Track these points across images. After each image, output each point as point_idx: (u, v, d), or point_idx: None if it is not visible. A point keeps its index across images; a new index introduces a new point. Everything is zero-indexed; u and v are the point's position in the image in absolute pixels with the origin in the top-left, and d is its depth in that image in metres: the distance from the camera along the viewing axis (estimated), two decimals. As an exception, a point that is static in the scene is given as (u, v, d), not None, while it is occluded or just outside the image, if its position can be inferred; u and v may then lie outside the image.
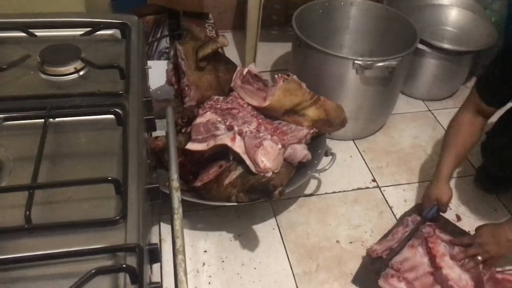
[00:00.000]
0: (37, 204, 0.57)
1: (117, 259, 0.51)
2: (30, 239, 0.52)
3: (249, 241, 1.44)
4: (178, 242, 0.72)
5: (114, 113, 0.67)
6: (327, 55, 1.58)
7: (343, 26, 1.93)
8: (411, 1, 2.08)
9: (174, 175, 0.82)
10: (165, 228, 1.44)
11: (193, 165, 1.47)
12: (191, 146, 1.38)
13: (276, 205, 1.55)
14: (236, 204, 1.32)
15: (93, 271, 0.46)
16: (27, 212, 0.53)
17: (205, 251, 1.40)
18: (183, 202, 1.31)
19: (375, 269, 1.35)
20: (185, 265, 0.69)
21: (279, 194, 1.19)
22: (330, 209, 1.56)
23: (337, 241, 1.45)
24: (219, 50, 1.68)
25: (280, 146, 1.35)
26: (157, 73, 1.73)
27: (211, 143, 1.36)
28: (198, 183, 1.41)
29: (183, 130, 1.47)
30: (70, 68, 0.78)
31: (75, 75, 0.78)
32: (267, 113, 1.47)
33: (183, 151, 1.41)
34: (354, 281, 1.34)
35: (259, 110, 1.46)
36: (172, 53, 1.66)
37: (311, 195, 1.60)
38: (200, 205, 1.43)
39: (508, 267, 1.40)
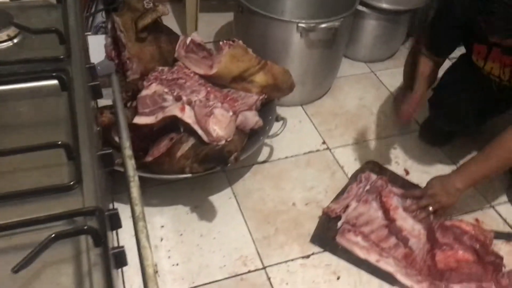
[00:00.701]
0: (-19, 177, 0.53)
1: (77, 224, 0.48)
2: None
3: (206, 212, 1.42)
4: (138, 209, 0.69)
5: (58, 77, 0.63)
6: (271, 20, 1.57)
7: (284, -9, 1.92)
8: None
9: (126, 143, 0.79)
10: (118, 206, 1.40)
11: (141, 140, 1.42)
12: (139, 120, 1.33)
13: (230, 175, 1.54)
14: (190, 175, 1.30)
15: (53, 235, 0.43)
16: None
17: (162, 226, 1.38)
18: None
19: (332, 227, 1.38)
20: (147, 231, 0.67)
21: (235, 159, 1.18)
22: (284, 174, 1.57)
23: (293, 204, 1.47)
24: (159, 20, 1.62)
25: (231, 113, 1.33)
26: (96, 48, 1.65)
27: (160, 115, 1.32)
28: (149, 158, 1.37)
29: (128, 105, 1.42)
30: (2, 35, 0.72)
31: (8, 43, 0.72)
32: (214, 81, 1.44)
33: (130, 126, 1.36)
34: (313, 240, 1.36)
35: (207, 78, 1.43)
36: (109, 26, 1.59)
37: (264, 161, 1.60)
38: (153, 181, 1.40)
39: (457, 216, 1.47)
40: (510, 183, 1.57)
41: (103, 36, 1.67)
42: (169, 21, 2.18)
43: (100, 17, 1.94)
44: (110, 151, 0.64)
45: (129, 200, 0.70)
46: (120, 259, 0.53)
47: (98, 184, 0.53)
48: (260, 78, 1.46)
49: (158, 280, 1.21)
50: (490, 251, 1.35)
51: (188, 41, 1.53)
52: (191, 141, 1.32)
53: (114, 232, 0.72)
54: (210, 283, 1.25)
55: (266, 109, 1.53)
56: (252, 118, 1.41)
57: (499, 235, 1.41)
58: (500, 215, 1.50)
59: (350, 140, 1.72)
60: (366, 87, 1.96)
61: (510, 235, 1.43)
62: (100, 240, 0.45)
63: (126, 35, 1.49)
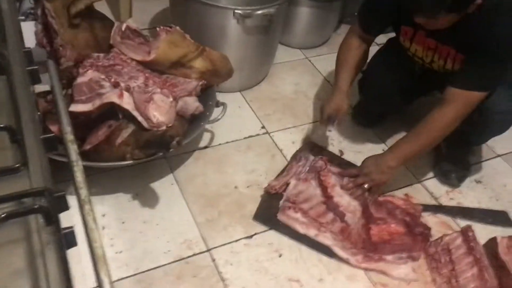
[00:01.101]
0: None
1: (25, 206, 0.48)
2: None
3: (149, 199, 1.42)
4: (83, 192, 0.69)
5: (-5, 59, 0.61)
6: (208, 6, 1.58)
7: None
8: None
9: (68, 128, 0.78)
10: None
11: (79, 128, 1.38)
12: (75, 107, 1.30)
13: (172, 161, 1.54)
14: (131, 162, 1.29)
15: (3, 215, 0.43)
16: None
17: (104, 215, 1.36)
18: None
19: (274, 205, 1.43)
20: (94, 214, 0.67)
21: (177, 143, 1.19)
22: (225, 158, 1.59)
23: (235, 187, 1.50)
24: (93, 6, 1.58)
25: (171, 99, 1.33)
26: (25, 35, 1.59)
27: (97, 102, 1.29)
28: (87, 146, 1.34)
29: (63, 93, 1.38)
30: None
31: None
32: (153, 68, 1.44)
33: (70, 114, 1.33)
34: (255, 218, 1.41)
35: (144, 64, 1.42)
36: (39, 12, 1.53)
37: (205, 147, 1.62)
38: (92, 170, 1.38)
39: (389, 193, 1.57)
40: (436, 160, 1.69)
41: (33, 23, 1.61)
42: (103, 8, 2.12)
43: (28, 3, 1.85)
44: (53, 135, 0.64)
45: (73, 185, 0.70)
46: (69, 239, 0.53)
47: (45, 166, 0.53)
48: (199, 63, 1.47)
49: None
50: (420, 223, 1.46)
51: (123, 27, 1.51)
52: (130, 128, 1.31)
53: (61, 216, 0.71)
54: (154, 268, 1.26)
55: (206, 95, 1.54)
56: (192, 104, 1.42)
57: (426, 208, 1.53)
58: (427, 190, 1.61)
59: (288, 124, 1.77)
60: (301, 73, 2.02)
61: (436, 208, 1.55)
62: (51, 219, 0.46)
63: (58, 21, 1.44)
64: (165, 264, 1.27)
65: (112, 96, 1.28)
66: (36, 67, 0.73)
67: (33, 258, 0.44)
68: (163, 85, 1.37)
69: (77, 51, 1.46)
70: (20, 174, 0.51)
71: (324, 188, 1.46)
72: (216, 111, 1.55)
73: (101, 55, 1.42)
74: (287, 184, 1.46)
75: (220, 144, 1.64)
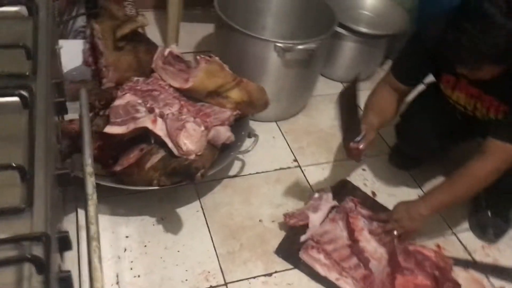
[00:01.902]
0: None
1: (23, 248, 0.48)
2: None
3: (173, 225, 1.43)
4: (93, 228, 0.70)
5: (19, 95, 0.63)
6: (249, 37, 1.59)
7: (266, 8, 1.94)
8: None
9: (88, 160, 0.80)
10: (81, 213, 1.40)
11: (112, 149, 1.42)
12: (110, 129, 1.33)
13: (200, 187, 1.54)
14: (158, 188, 1.30)
15: (-5, 261, 0.44)
16: None
17: (127, 237, 1.38)
18: (102, 187, 1.29)
19: (297, 241, 1.40)
20: (100, 251, 0.68)
21: (201, 176, 1.19)
22: (253, 189, 1.58)
23: (260, 220, 1.48)
24: (140, 30, 1.63)
25: (203, 128, 1.34)
26: (73, 53, 1.65)
27: (131, 126, 1.32)
28: (118, 167, 1.37)
29: (101, 113, 1.42)
30: (-32, 47, 0.72)
31: (-26, 55, 0.72)
32: (189, 95, 1.45)
33: (101, 134, 1.37)
34: (277, 251, 1.39)
35: (181, 92, 1.44)
36: (88, 32, 1.59)
37: (235, 176, 1.62)
38: (121, 190, 1.39)
39: (420, 242, 1.50)
40: (472, 210, 1.61)
41: (82, 41, 1.67)
42: (151, 29, 2.19)
43: (81, 21, 1.93)
44: (68, 171, 0.65)
45: (85, 219, 0.71)
46: (65, 283, 0.53)
47: (50, 207, 0.54)
48: (235, 94, 1.48)
49: (118, 291, 1.22)
50: (449, 278, 1.38)
51: (166, 52, 1.54)
52: (161, 154, 1.33)
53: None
54: (170, 296, 1.26)
55: (239, 125, 1.54)
56: (224, 133, 1.43)
57: (458, 262, 1.45)
58: (461, 242, 1.54)
59: (322, 159, 1.74)
60: (341, 107, 1.99)
61: (468, 263, 1.47)
62: (43, 268, 0.46)
63: (104, 43, 1.50)
64: (181, 294, 1.27)
65: (146, 121, 1.31)
66: (63, 99, 0.75)
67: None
68: (196, 113, 1.38)
69: (119, 73, 1.50)
70: (24, 214, 0.51)
71: (351, 230, 1.42)
72: (248, 142, 1.54)
73: (141, 79, 1.45)
74: (307, 217, 1.43)
75: (250, 174, 1.63)
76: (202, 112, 1.39)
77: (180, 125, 1.31)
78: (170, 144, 1.30)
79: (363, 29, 1.92)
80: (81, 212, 1.39)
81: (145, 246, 1.36)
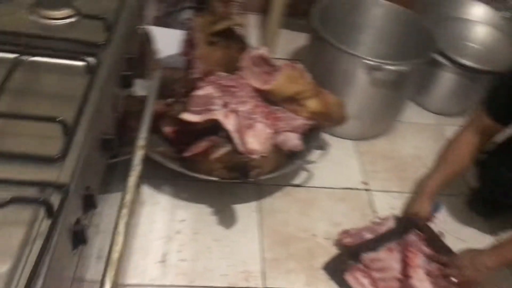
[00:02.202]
0: (-12, 133, 0.60)
1: (45, 194, 0.53)
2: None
3: (227, 219, 1.45)
4: (128, 197, 0.74)
5: (85, 61, 0.69)
6: (339, 51, 1.57)
7: (368, 25, 1.90)
8: (441, 12, 2.04)
9: (144, 134, 0.84)
10: (147, 190, 1.48)
11: (187, 135, 1.49)
12: (186, 116, 1.39)
13: (261, 189, 1.55)
14: (217, 179, 1.34)
15: (9, 198, 0.48)
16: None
17: (182, 220, 1.43)
18: (171, 170, 1.34)
19: (347, 261, 1.35)
20: (128, 219, 0.71)
21: (255, 175, 1.20)
22: (314, 202, 1.56)
23: (314, 235, 1.46)
24: (236, 29, 1.69)
25: (271, 130, 1.35)
26: (173, 41, 1.75)
27: (205, 116, 1.37)
28: (187, 154, 1.43)
29: (182, 100, 1.48)
30: (61, 13, 0.79)
31: (64, 21, 0.80)
32: (267, 97, 1.47)
33: (178, 120, 1.43)
34: (325, 267, 1.36)
35: (259, 92, 1.47)
36: (190, 24, 1.68)
37: (299, 186, 1.60)
38: (188, 176, 1.45)
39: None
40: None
41: (182, 31, 1.77)
42: (253, 31, 2.26)
43: (188, 14, 2.05)
44: (114, 138, 0.69)
45: (124, 186, 0.75)
46: (79, 236, 0.57)
47: (81, 164, 0.58)
48: (312, 103, 1.47)
49: (164, 269, 1.27)
50: None
51: (256, 53, 1.57)
52: (227, 148, 1.36)
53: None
54: (208, 287, 1.28)
55: (311, 135, 1.53)
56: (292, 140, 1.43)
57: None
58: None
59: (394, 187, 1.67)
60: (427, 139, 1.89)
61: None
62: (52, 213, 0.50)
63: (199, 36, 1.57)
64: (218, 287, 1.28)
65: (218, 114, 1.35)
66: (130, 73, 0.80)
67: (25, 245, 0.48)
68: (268, 115, 1.39)
69: (208, 67, 1.56)
70: (56, 165, 0.56)
71: (406, 265, 1.34)
72: (317, 154, 1.53)
73: (225, 74, 1.50)
74: (362, 239, 1.38)
75: (314, 186, 1.61)
76: (274, 115, 1.40)
77: (249, 124, 1.33)
78: (236, 140, 1.33)
79: (467, 62, 1.81)
80: (147, 189, 1.47)
81: (196, 233, 1.40)
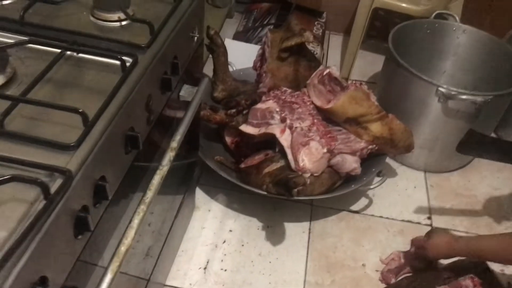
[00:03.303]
0: (22, 116, 0.65)
1: (50, 177, 0.56)
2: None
3: (275, 235, 1.43)
4: (149, 194, 0.76)
5: (120, 60, 0.73)
6: (412, 75, 1.50)
7: (449, 53, 1.80)
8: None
9: (177, 137, 0.86)
10: (202, 196, 1.51)
11: (246, 147, 1.50)
12: (244, 127, 1.41)
13: (315, 211, 1.52)
14: (265, 193, 1.33)
15: (9, 176, 0.51)
16: (0, 118, 0.60)
17: (230, 230, 1.43)
18: (227, 180, 1.35)
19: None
20: (144, 215, 0.73)
21: (297, 192, 1.17)
22: (369, 231, 1.48)
23: (363, 265, 1.39)
24: (308, 46, 1.68)
25: (325, 150, 1.32)
26: (248, 56, 1.79)
27: (262, 130, 1.38)
28: (242, 165, 1.44)
29: (244, 112, 1.50)
30: (114, 16, 0.85)
31: (116, 24, 0.85)
32: (328, 117, 1.44)
33: (237, 131, 1.45)
34: None
35: (321, 111, 1.44)
36: (264, 39, 1.71)
37: (356, 212, 1.54)
38: (241, 188, 1.45)
39: None
40: None
41: (258, 46, 1.80)
42: (335, 51, 2.24)
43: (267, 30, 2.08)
44: (138, 135, 0.72)
45: (148, 185, 0.77)
46: (81, 223, 0.59)
47: (94, 156, 0.61)
48: (375, 127, 1.41)
49: (205, 275, 1.28)
50: None
51: (325, 72, 1.55)
52: (280, 163, 1.35)
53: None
54: (244, 300, 1.27)
55: (373, 161, 1.48)
56: (350, 163, 1.38)
57: None
58: None
59: (460, 227, 1.54)
60: (508, 179, 1.72)
61: None
62: (47, 195, 0.52)
63: (270, 51, 1.58)
64: (255, 302, 1.27)
65: (275, 129, 1.35)
66: (170, 77, 0.83)
67: (21, 222, 0.51)
68: (324, 134, 1.36)
69: (275, 82, 1.57)
70: (69, 152, 0.59)
71: (457, 312, 1.22)
72: (377, 181, 1.46)
73: (288, 90, 1.50)
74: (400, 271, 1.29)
75: (372, 215, 1.54)
76: (330, 135, 1.37)
77: (304, 141, 1.31)
78: (289, 156, 1.32)
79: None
80: (201, 194, 1.50)
81: (242, 245, 1.40)
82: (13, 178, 0.51)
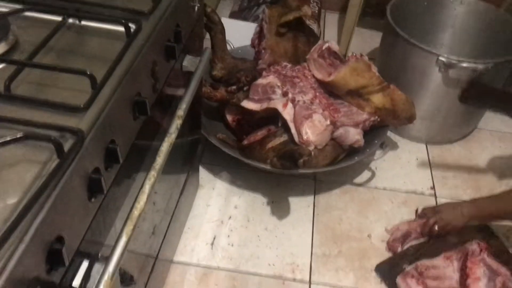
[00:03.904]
0: (28, 82, 0.64)
1: (62, 138, 0.55)
2: (4, 105, 0.59)
3: (280, 210, 1.44)
4: (159, 160, 0.75)
5: (125, 25, 0.72)
6: (412, 46, 1.49)
7: (447, 24, 1.79)
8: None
9: (183, 105, 0.86)
10: (205, 175, 1.51)
11: (247, 124, 1.50)
12: (246, 104, 1.40)
13: (319, 185, 1.52)
14: (269, 168, 1.33)
15: (22, 134, 0.51)
16: (7, 82, 0.60)
17: (236, 207, 1.43)
18: (229, 158, 1.36)
19: (401, 264, 1.29)
20: (155, 181, 0.72)
21: (303, 163, 1.17)
22: (374, 203, 1.49)
23: (369, 236, 1.39)
24: (306, 21, 1.67)
25: (328, 122, 1.32)
26: (245, 34, 1.78)
27: (264, 105, 1.37)
28: (245, 142, 1.44)
29: (245, 88, 1.50)
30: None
31: (117, -9, 0.84)
32: (330, 89, 1.44)
33: (239, 108, 1.45)
34: (377, 269, 1.30)
35: (323, 84, 1.44)
36: (261, 16, 1.69)
37: (359, 185, 1.55)
38: (245, 165, 1.45)
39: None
40: None
41: (255, 24, 1.79)
42: (331, 29, 2.23)
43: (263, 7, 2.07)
44: (145, 100, 0.71)
45: (157, 152, 0.76)
46: (95, 185, 0.59)
47: (104, 117, 0.60)
48: (377, 99, 1.41)
49: (212, 251, 1.28)
50: None
51: (324, 47, 1.54)
52: (283, 137, 1.35)
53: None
54: (253, 274, 1.27)
55: (376, 133, 1.47)
56: (353, 135, 1.38)
57: None
58: None
59: (464, 195, 1.54)
60: (509, 148, 1.73)
61: None
62: (61, 154, 0.52)
63: (268, 27, 1.57)
64: (264, 275, 1.27)
65: (277, 104, 1.34)
66: (173, 45, 0.82)
67: (34, 181, 0.51)
68: (326, 107, 1.36)
69: (274, 57, 1.56)
70: (79, 114, 0.59)
71: (464, 275, 1.23)
72: (380, 153, 1.46)
73: (289, 65, 1.49)
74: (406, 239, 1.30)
75: (376, 187, 1.54)
76: (332, 107, 1.37)
77: (307, 114, 1.31)
78: (293, 130, 1.31)
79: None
80: (204, 172, 1.50)
81: (248, 221, 1.40)
82: (26, 137, 0.51)
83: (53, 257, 0.52)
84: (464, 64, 1.42)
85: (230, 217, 1.40)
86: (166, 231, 1.16)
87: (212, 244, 1.33)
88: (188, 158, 1.31)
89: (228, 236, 1.36)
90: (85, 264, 0.60)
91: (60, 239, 0.54)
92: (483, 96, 1.50)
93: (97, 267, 0.62)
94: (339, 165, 1.38)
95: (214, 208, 1.43)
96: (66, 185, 0.53)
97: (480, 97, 1.49)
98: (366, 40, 2.17)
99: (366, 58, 1.43)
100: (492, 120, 1.80)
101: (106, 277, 0.58)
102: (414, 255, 1.31)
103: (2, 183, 0.51)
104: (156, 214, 1.06)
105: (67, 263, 0.54)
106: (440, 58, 1.44)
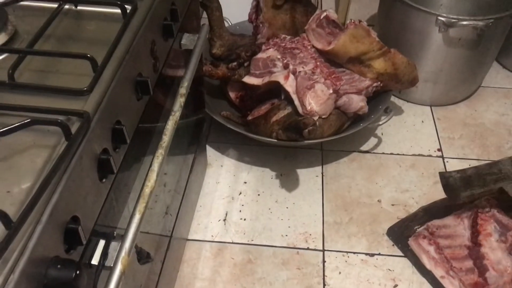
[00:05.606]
0: (31, 70, 0.65)
1: (69, 121, 0.57)
2: (9, 94, 0.60)
3: (289, 182, 1.45)
4: (165, 138, 0.76)
5: (120, 6, 0.72)
6: (410, 8, 1.48)
7: (446, -17, 1.77)
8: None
9: (185, 83, 0.87)
10: (213, 153, 1.52)
11: (250, 100, 1.50)
12: (247, 79, 1.41)
13: (326, 155, 1.53)
14: (275, 141, 1.34)
15: (29, 120, 0.52)
16: (10, 71, 0.61)
17: (245, 182, 1.45)
18: (235, 135, 1.37)
19: (412, 226, 1.31)
20: (163, 159, 0.73)
21: (308, 133, 1.18)
22: (382, 168, 1.50)
23: (379, 201, 1.41)
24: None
25: (331, 91, 1.32)
26: (242, 9, 1.77)
27: (266, 79, 1.37)
28: (249, 117, 1.44)
29: (245, 64, 1.50)
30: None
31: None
32: (330, 58, 1.44)
33: (241, 83, 1.45)
34: (388, 232, 1.31)
35: (323, 54, 1.43)
36: (258, -10, 1.68)
37: (366, 152, 1.55)
38: (252, 141, 1.47)
39: None
40: None
41: (251, -1, 1.78)
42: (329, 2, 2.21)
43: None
44: (147, 80, 0.72)
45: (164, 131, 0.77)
46: (104, 165, 0.60)
47: (107, 99, 0.61)
48: (378, 64, 1.41)
49: (225, 226, 1.30)
50: None
51: (322, 16, 1.53)
52: (287, 110, 1.35)
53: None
54: (267, 246, 1.29)
55: (379, 98, 1.48)
56: (357, 102, 1.38)
57: None
58: None
59: (472, 155, 1.55)
60: (514, 104, 1.73)
61: None
62: (69, 136, 0.53)
63: (264, 0, 1.56)
64: (277, 246, 1.29)
65: (279, 76, 1.34)
66: (170, 23, 0.83)
67: (47, 164, 0.52)
68: (328, 75, 1.36)
69: (273, 31, 1.56)
70: (83, 97, 0.60)
71: (476, 232, 1.25)
72: (384, 118, 1.47)
73: (288, 37, 1.48)
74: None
75: (383, 153, 1.55)
76: (334, 75, 1.37)
77: (309, 85, 1.31)
78: (296, 102, 1.32)
79: None
80: (211, 151, 1.51)
81: (258, 195, 1.42)
82: (33, 122, 0.52)
83: (71, 237, 0.53)
84: (464, 22, 1.40)
85: (240, 193, 1.42)
86: (179, 210, 1.18)
87: (224, 220, 1.35)
88: (195, 138, 1.32)
89: (240, 211, 1.38)
90: (102, 243, 0.62)
91: (75, 219, 0.55)
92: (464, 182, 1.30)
93: (114, 245, 0.63)
94: (345, 133, 1.39)
95: (224, 185, 1.45)
96: (77, 167, 0.54)
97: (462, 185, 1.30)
98: (364, 7, 2.15)
99: (365, 24, 1.42)
100: (496, 77, 1.79)
101: (123, 253, 0.60)
102: (424, 217, 1.32)
103: (15, 169, 0.53)
104: (167, 195, 1.07)
105: (84, 242, 0.56)
106: (440, 18, 1.43)
